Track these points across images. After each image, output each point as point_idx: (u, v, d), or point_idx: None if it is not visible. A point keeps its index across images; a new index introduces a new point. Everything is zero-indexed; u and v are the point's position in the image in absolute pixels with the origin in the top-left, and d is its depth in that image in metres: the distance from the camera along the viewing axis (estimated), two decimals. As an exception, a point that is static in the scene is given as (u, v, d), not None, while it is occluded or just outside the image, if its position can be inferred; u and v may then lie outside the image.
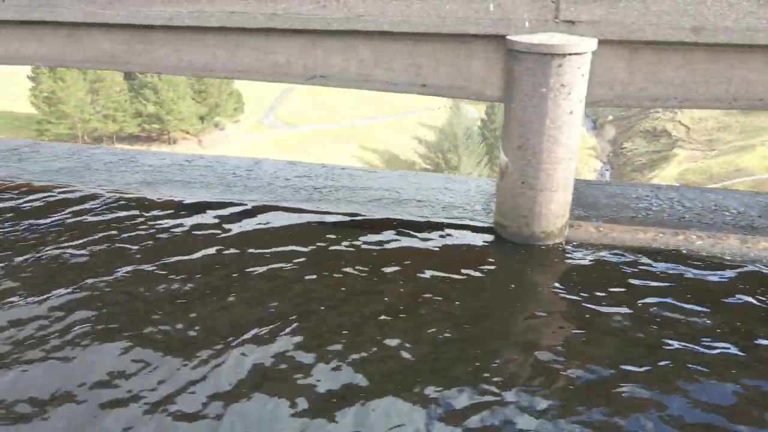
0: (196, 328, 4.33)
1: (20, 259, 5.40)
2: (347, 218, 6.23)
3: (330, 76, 6.06)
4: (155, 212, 6.36)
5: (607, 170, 77.26)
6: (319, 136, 69.51)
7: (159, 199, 6.75)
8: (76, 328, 4.33)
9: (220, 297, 4.73)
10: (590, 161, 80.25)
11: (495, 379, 3.75)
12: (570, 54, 4.73)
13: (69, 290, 4.83)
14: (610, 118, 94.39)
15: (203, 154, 8.91)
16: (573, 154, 5.16)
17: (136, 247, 5.59)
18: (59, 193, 6.94)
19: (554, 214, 5.32)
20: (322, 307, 4.56)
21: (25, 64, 7.09)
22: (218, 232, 5.93)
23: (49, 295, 4.76)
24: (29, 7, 6.29)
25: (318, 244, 5.61)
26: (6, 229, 6.03)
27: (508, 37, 5.03)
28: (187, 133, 63.97)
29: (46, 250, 5.53)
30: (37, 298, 4.73)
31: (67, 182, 7.25)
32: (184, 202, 6.64)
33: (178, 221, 6.17)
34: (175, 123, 59.60)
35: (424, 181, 7.42)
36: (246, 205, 6.56)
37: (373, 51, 5.84)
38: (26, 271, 5.19)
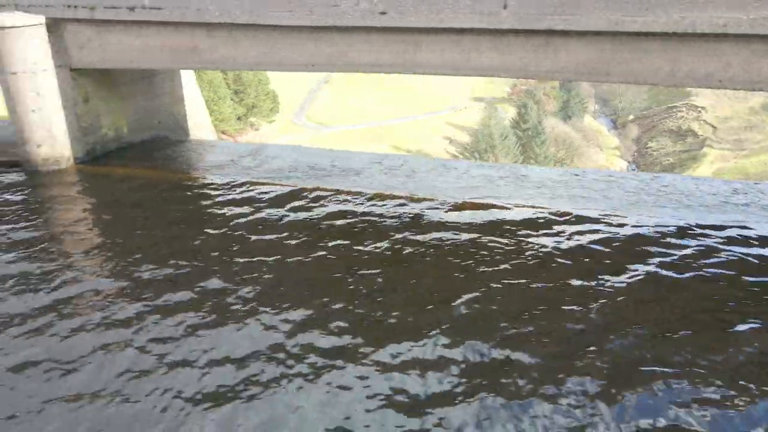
0: None
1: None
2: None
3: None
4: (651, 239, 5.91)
5: (633, 169, 77.32)
6: (351, 136, 69.10)
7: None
8: None
9: None
10: (615, 161, 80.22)
11: None
12: None
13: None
14: (631, 117, 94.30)
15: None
16: None
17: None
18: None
19: None
20: None
21: (467, 75, 6.58)
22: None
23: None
24: (537, 15, 5.79)
25: None
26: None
27: None
28: (223, 132, 63.18)
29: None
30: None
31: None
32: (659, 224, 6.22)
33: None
34: (215, 123, 58.86)
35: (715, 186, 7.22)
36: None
37: None
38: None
